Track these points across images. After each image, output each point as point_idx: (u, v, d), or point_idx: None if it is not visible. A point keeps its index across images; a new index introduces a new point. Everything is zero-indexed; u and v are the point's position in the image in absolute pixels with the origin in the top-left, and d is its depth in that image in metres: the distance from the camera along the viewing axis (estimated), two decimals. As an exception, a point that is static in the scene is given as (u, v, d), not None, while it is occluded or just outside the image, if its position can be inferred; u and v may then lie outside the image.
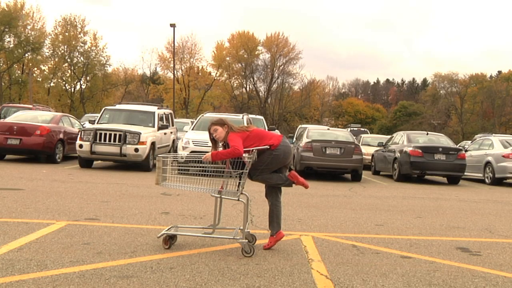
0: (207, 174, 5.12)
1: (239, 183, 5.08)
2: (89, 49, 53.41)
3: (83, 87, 55.10)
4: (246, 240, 4.97)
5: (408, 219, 7.82)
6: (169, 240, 5.09)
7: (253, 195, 9.35)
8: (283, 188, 5.47)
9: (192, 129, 15.15)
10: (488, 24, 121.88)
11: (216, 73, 61.75)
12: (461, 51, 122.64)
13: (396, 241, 6.09)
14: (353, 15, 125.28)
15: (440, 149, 15.05)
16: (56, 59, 52.85)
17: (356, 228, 6.81)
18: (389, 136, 20.25)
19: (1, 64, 48.91)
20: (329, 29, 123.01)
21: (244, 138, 5.08)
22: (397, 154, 15.47)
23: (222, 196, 5.10)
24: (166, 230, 5.14)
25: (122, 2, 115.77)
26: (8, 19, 45.88)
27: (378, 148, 18.38)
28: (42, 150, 14.47)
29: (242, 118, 15.48)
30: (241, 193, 5.12)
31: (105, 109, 15.82)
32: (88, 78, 54.83)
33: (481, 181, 16.55)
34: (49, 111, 20.81)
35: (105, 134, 13.29)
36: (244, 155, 5.02)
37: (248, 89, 62.65)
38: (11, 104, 23.91)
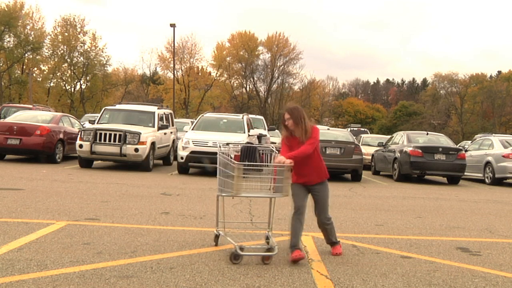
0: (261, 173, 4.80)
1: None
2: (88, 49, 53.41)
3: (83, 87, 55.06)
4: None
5: (408, 219, 7.82)
6: (216, 239, 5.25)
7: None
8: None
9: (192, 129, 15.13)
10: (488, 24, 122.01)
11: (216, 73, 61.77)
12: (461, 50, 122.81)
13: (396, 241, 6.09)
14: (350, 16, 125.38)
15: (440, 149, 15.04)
16: (56, 59, 52.79)
17: (356, 228, 6.81)
18: (389, 136, 20.25)
19: (1, 64, 48.87)
20: (326, 29, 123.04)
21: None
22: (397, 154, 15.47)
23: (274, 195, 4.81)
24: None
25: (118, 3, 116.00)
26: (8, 19, 45.81)
27: (378, 148, 18.37)
28: (42, 150, 14.46)
29: (242, 118, 15.45)
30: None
31: (105, 109, 15.82)
32: (88, 78, 54.75)
33: (481, 181, 16.55)
34: (49, 111, 20.79)
35: (105, 134, 13.30)
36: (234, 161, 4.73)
37: (248, 89, 62.69)
38: (11, 104, 23.87)
